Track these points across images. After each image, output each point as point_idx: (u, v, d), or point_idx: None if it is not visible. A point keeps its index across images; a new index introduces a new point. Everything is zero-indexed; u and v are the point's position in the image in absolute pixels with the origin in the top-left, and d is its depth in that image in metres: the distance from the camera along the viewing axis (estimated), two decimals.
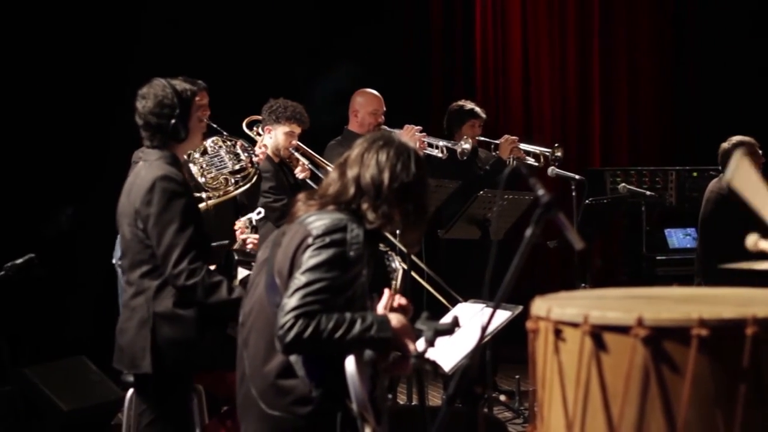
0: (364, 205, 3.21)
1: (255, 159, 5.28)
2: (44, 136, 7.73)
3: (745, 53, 9.69)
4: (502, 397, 6.87)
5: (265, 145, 5.87)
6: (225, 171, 5.16)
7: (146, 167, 4.04)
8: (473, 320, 4.16)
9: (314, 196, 3.32)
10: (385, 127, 6.50)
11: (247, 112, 6.22)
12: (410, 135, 6.46)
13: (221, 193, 5.08)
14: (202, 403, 4.41)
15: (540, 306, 2.58)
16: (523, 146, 7.14)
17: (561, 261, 8.91)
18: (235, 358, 3.37)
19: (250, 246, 5.07)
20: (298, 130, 6.00)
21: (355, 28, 9.00)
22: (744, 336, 2.31)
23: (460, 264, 6.59)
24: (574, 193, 6.76)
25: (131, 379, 4.18)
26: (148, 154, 4.11)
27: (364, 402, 3.01)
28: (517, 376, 6.67)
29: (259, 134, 6.12)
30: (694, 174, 8.65)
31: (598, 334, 2.40)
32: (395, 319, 3.16)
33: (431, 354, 2.93)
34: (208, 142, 5.16)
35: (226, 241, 4.51)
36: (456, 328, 2.87)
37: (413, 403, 6.06)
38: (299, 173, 6.03)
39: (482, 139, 7.24)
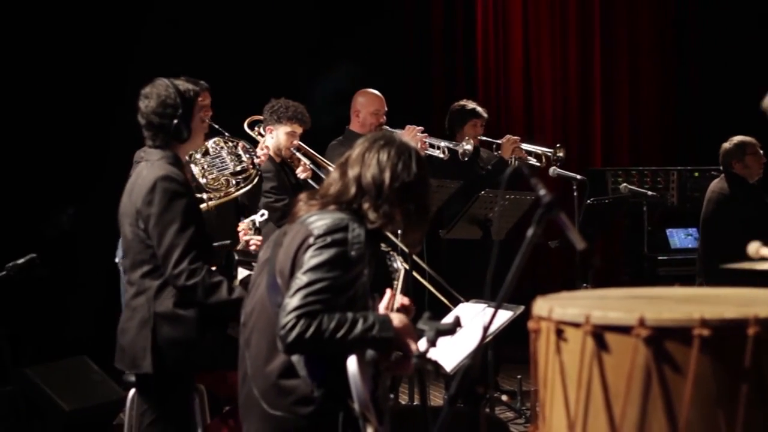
0: (366, 205, 3.21)
1: (256, 160, 5.27)
2: (45, 136, 7.73)
3: (746, 53, 9.69)
4: (504, 397, 6.87)
5: (267, 147, 5.87)
6: (226, 172, 5.15)
7: (148, 167, 4.04)
8: (475, 320, 4.16)
9: (315, 195, 3.32)
10: (387, 127, 6.50)
11: (247, 112, 6.22)
12: (412, 135, 6.46)
13: (222, 194, 5.07)
14: (204, 403, 4.41)
15: (541, 306, 2.58)
16: (525, 146, 7.14)
17: (562, 261, 8.90)
18: (235, 359, 3.37)
19: (253, 247, 5.07)
20: (299, 130, 6.00)
21: (355, 27, 9.01)
22: (746, 336, 2.31)
23: (461, 264, 6.59)
24: (575, 193, 6.77)
25: (133, 379, 4.19)
26: (150, 153, 4.11)
27: (366, 402, 3.01)
28: (518, 376, 6.67)
29: (260, 134, 6.12)
30: (696, 174, 8.64)
31: (599, 334, 2.40)
32: (397, 318, 3.16)
33: (433, 354, 2.93)
34: (210, 143, 5.16)
35: (228, 241, 4.50)
36: (458, 328, 2.87)
37: (415, 403, 6.05)
38: (301, 173, 6.03)
39: (484, 138, 7.23)
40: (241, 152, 5.22)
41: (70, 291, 7.88)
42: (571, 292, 2.93)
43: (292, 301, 3.00)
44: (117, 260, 6.03)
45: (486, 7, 9.63)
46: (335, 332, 2.99)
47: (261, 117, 6.10)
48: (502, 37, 9.70)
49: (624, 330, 2.36)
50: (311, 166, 6.03)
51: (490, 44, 9.66)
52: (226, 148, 5.19)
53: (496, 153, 7.14)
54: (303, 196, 3.35)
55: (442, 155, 6.72)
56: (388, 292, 3.47)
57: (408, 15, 9.49)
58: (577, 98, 9.88)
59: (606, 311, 2.42)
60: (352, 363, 3.02)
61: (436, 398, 7.03)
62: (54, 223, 7.87)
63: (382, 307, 3.34)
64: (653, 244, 8.28)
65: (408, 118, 6.87)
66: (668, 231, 8.53)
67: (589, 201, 6.93)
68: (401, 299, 3.51)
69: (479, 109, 7.23)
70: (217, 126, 5.09)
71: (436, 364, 3.50)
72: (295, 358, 3.12)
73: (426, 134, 6.68)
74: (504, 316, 4.37)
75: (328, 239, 3.08)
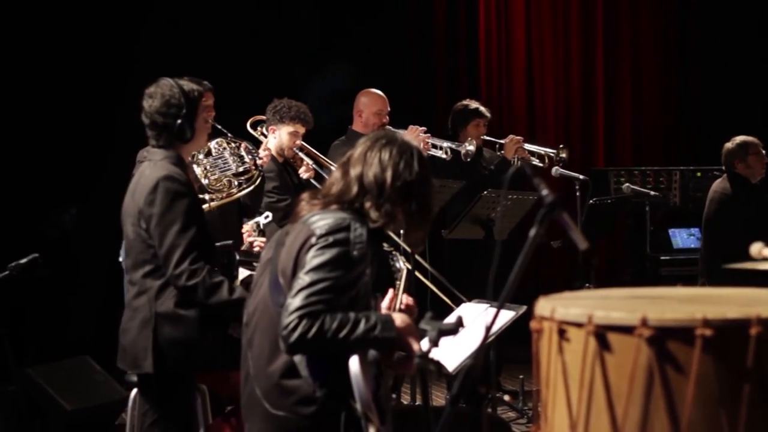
0: (367, 204, 3.21)
1: (259, 161, 5.28)
2: (47, 136, 7.74)
3: (748, 53, 9.69)
4: (506, 397, 6.87)
5: (268, 149, 5.87)
6: (228, 173, 5.15)
7: (150, 167, 4.04)
8: (477, 320, 4.16)
9: (317, 195, 3.31)
10: (389, 127, 6.50)
11: (248, 111, 6.22)
12: (415, 136, 6.46)
13: (224, 195, 5.07)
14: (206, 402, 4.41)
15: (544, 306, 2.58)
16: (528, 147, 7.14)
17: (565, 261, 8.90)
18: (237, 359, 3.37)
19: (257, 249, 5.08)
20: (302, 130, 6.00)
21: (357, 28, 9.01)
22: (748, 336, 2.31)
23: (463, 264, 6.59)
24: (578, 193, 6.78)
25: (135, 378, 4.19)
26: (152, 153, 4.11)
27: (368, 402, 3.00)
28: (521, 376, 6.67)
29: (263, 134, 6.12)
30: (698, 174, 8.64)
31: (602, 334, 2.40)
32: (399, 318, 3.16)
33: (435, 354, 2.92)
34: (213, 144, 5.15)
35: (230, 241, 4.50)
36: (460, 328, 2.87)
37: (417, 403, 6.05)
38: (303, 173, 6.04)
39: (487, 138, 7.23)
40: (243, 153, 5.21)
41: (72, 291, 7.88)
42: (574, 292, 2.93)
43: (295, 302, 3.00)
44: (121, 259, 6.03)
45: (488, 7, 9.62)
46: (337, 332, 2.99)
47: (264, 117, 6.11)
48: (504, 36, 9.69)
49: (626, 330, 2.36)
50: (314, 166, 6.03)
51: (492, 44, 9.65)
52: (228, 148, 5.19)
53: (499, 153, 7.14)
54: (305, 195, 3.35)
55: (444, 156, 6.72)
56: (390, 291, 3.47)
57: (410, 15, 9.48)
58: (580, 98, 9.88)
59: (608, 311, 2.42)
60: (354, 363, 3.02)
61: (439, 398, 7.03)
62: (56, 222, 7.88)
63: (383, 307, 3.34)
64: (656, 244, 8.27)
65: (410, 118, 6.87)
66: (671, 231, 8.53)
67: (591, 201, 6.93)
68: (405, 299, 3.51)
69: (482, 108, 7.23)
70: (219, 126, 5.09)
71: (438, 364, 3.51)
72: (297, 358, 3.12)
73: (429, 134, 6.68)
74: (506, 316, 4.37)
75: (330, 239, 3.08)
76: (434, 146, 6.73)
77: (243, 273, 4.66)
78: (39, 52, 7.71)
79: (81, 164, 7.76)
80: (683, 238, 8.52)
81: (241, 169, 5.19)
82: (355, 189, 3.23)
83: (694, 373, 2.31)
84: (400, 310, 3.41)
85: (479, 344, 2.57)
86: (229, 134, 5.22)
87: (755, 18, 9.75)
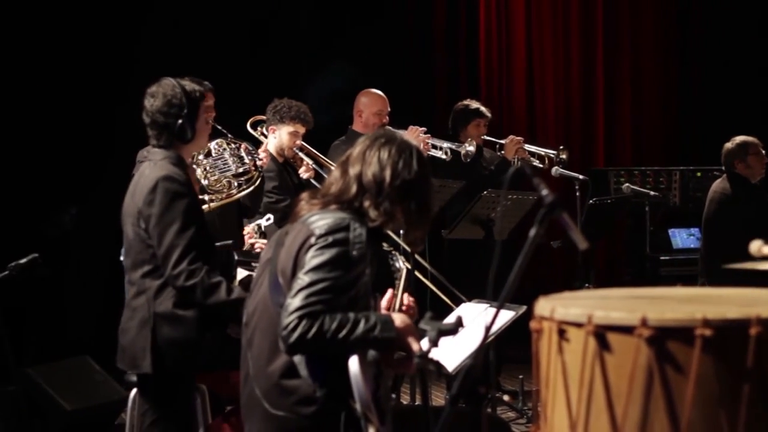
0: (366, 203, 3.21)
1: (258, 162, 5.27)
2: (47, 136, 7.73)
3: (749, 53, 9.69)
4: (506, 397, 6.87)
5: (267, 150, 5.86)
6: (228, 174, 5.14)
7: (150, 167, 4.05)
8: (477, 320, 4.16)
9: (317, 195, 3.31)
10: (389, 127, 6.49)
11: (248, 111, 6.22)
12: (415, 136, 6.46)
13: (224, 195, 5.07)
14: (206, 403, 4.41)
15: (544, 306, 2.58)
16: (528, 147, 7.14)
17: (565, 261, 8.90)
18: (236, 359, 3.37)
19: (258, 251, 5.08)
20: (302, 130, 6.00)
21: (357, 28, 9.01)
22: (748, 336, 2.30)
23: (463, 264, 6.59)
24: (578, 193, 6.78)
25: (134, 379, 4.19)
26: (153, 153, 4.11)
27: (368, 402, 3.00)
28: (520, 376, 6.67)
29: (263, 134, 6.12)
30: (698, 174, 8.64)
31: (601, 334, 2.40)
32: (399, 319, 3.16)
33: (435, 354, 2.93)
34: (213, 144, 5.15)
35: (230, 241, 4.50)
36: (460, 328, 2.87)
37: (417, 403, 6.05)
38: (303, 173, 6.04)
39: (487, 138, 7.24)
40: (243, 154, 5.21)
41: (72, 291, 7.88)
42: (574, 292, 2.93)
43: (294, 302, 3.00)
44: (122, 258, 6.03)
45: (489, 7, 9.62)
46: (337, 333, 2.99)
47: (264, 117, 6.11)
48: (504, 37, 9.69)
49: (626, 330, 2.36)
50: (314, 166, 6.03)
51: (492, 44, 9.65)
52: (228, 149, 5.18)
53: (499, 153, 7.15)
54: (305, 195, 3.35)
55: (444, 156, 6.72)
56: (389, 291, 3.47)
57: (410, 15, 9.48)
58: (580, 98, 9.88)
59: (608, 311, 2.42)
60: (353, 363, 3.02)
61: (438, 398, 7.03)
62: (56, 222, 7.87)
63: (382, 307, 3.34)
64: (655, 244, 8.27)
65: (410, 118, 6.87)
66: (670, 231, 8.53)
67: (591, 201, 6.93)
68: (407, 299, 3.51)
69: (483, 108, 7.23)
70: (219, 127, 5.09)
71: (438, 364, 3.50)
72: (296, 358, 3.12)
73: (429, 135, 6.68)
74: (506, 316, 4.37)
75: (330, 239, 3.08)
76: (434, 147, 6.73)
77: (241, 273, 4.66)
78: (39, 52, 7.71)
79: (81, 164, 7.76)
80: (683, 238, 8.52)
81: (240, 170, 5.19)
82: (354, 188, 3.23)
83: (693, 373, 2.31)
84: (400, 310, 3.41)
85: (479, 344, 2.57)
86: (229, 135, 5.22)
87: (755, 18, 9.75)
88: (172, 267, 3.91)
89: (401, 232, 3.40)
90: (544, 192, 2.55)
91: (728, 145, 7.05)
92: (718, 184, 7.08)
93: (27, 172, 7.65)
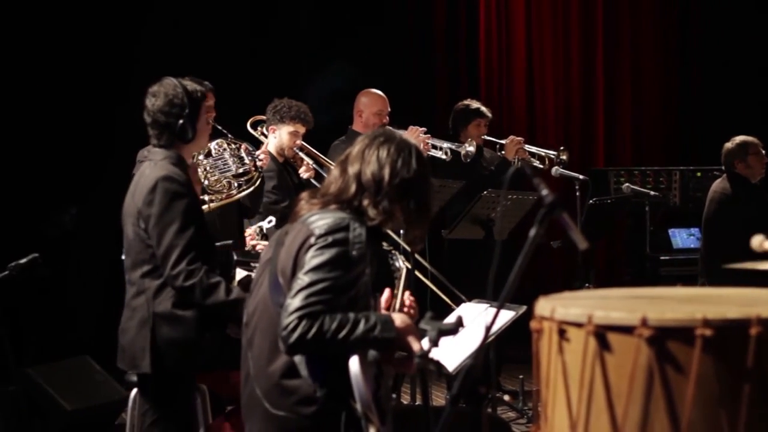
0: (365, 202, 3.21)
1: (258, 163, 5.27)
2: (47, 136, 7.74)
3: (749, 53, 9.69)
4: (506, 397, 6.87)
5: (267, 150, 5.86)
6: (228, 174, 5.14)
7: (151, 167, 4.05)
8: (477, 320, 4.16)
9: (317, 194, 3.31)
10: (389, 127, 6.49)
11: (248, 111, 6.22)
12: (415, 136, 6.46)
13: (224, 196, 5.07)
14: (206, 402, 4.41)
15: (544, 306, 2.58)
16: (529, 148, 7.14)
17: (565, 261, 8.90)
18: (236, 359, 3.37)
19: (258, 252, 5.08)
20: (302, 129, 6.01)
21: (358, 27, 9.01)
22: (748, 336, 2.30)
23: (463, 264, 6.59)
24: (578, 193, 6.78)
25: (134, 378, 4.19)
26: (153, 153, 4.11)
27: (368, 402, 3.00)
28: (521, 376, 6.67)
29: (263, 134, 6.13)
30: (698, 174, 8.64)
31: (601, 334, 2.40)
32: (399, 318, 3.16)
33: (435, 354, 2.93)
34: (213, 145, 5.15)
35: (230, 241, 4.50)
36: (460, 328, 2.87)
37: (417, 403, 6.05)
38: (303, 173, 6.04)
39: (488, 138, 7.24)
40: (243, 154, 5.21)
41: (72, 291, 7.88)
42: (574, 292, 2.92)
43: (294, 302, 3.00)
44: (123, 257, 6.03)
45: (489, 8, 9.62)
46: (337, 333, 2.99)
47: (264, 117, 6.11)
48: (504, 37, 9.70)
49: (626, 330, 2.36)
50: (314, 165, 6.03)
51: (492, 44, 9.65)
52: (228, 149, 5.18)
53: (499, 153, 7.15)
54: (304, 195, 3.35)
55: (444, 156, 6.72)
56: (387, 291, 3.46)
57: (411, 15, 9.48)
58: (580, 98, 9.88)
59: (608, 311, 2.42)
60: (354, 363, 3.02)
61: (439, 398, 7.03)
62: (56, 222, 7.87)
63: (381, 307, 3.34)
64: (655, 244, 8.27)
65: (410, 118, 6.87)
66: (670, 231, 8.53)
67: (591, 201, 6.93)
68: (408, 299, 3.51)
69: (483, 108, 7.23)
70: (220, 127, 5.09)
71: (438, 364, 3.50)
72: (297, 358, 3.12)
73: (429, 135, 6.68)
74: (506, 316, 4.37)
75: (330, 239, 3.08)
76: (434, 147, 6.73)
77: (240, 273, 4.66)
78: (39, 52, 7.72)
79: (81, 164, 7.76)
80: (683, 238, 8.52)
81: (240, 171, 5.18)
82: (353, 187, 3.23)
83: (694, 373, 2.31)
84: (401, 310, 3.41)
85: (479, 344, 2.57)
86: (230, 135, 5.22)
87: (755, 18, 9.75)
88: (171, 267, 3.91)
89: (401, 231, 3.40)
90: (544, 192, 2.55)
91: (728, 145, 7.06)
92: (718, 184, 7.08)
93: (27, 172, 7.65)
